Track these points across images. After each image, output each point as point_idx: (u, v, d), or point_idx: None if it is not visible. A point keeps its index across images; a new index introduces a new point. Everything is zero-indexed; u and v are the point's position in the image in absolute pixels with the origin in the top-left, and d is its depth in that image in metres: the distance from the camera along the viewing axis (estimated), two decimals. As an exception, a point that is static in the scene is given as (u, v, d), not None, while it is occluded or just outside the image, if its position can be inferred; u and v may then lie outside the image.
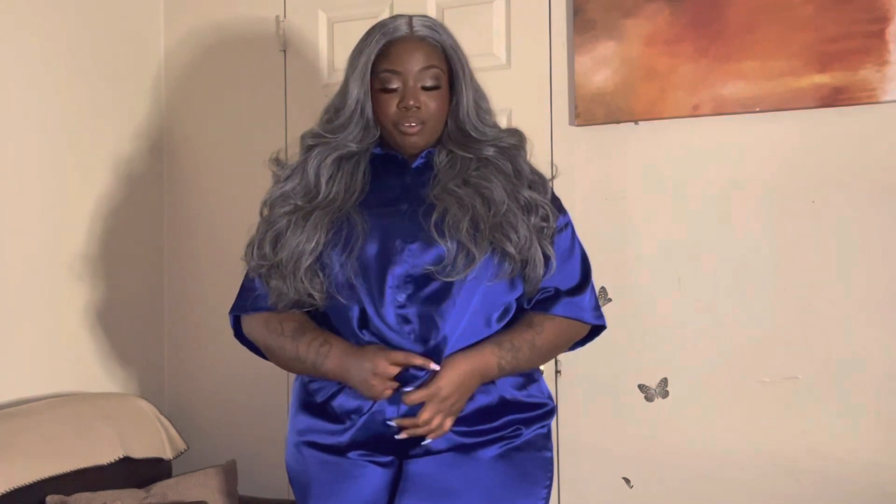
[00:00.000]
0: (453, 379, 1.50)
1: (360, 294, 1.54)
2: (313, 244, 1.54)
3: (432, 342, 1.54)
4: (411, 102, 1.55)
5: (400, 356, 1.50)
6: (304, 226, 1.55)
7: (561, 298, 1.61)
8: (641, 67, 2.17)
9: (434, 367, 1.50)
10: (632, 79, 2.18)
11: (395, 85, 1.57)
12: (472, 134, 1.61)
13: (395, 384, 1.51)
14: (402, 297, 1.53)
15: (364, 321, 1.55)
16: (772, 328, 2.09)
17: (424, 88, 1.57)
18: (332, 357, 1.55)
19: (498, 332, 1.58)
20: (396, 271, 1.53)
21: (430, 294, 1.53)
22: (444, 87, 1.60)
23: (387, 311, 1.53)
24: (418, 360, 1.50)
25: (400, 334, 1.53)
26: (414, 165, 1.63)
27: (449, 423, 1.52)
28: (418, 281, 1.53)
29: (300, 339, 1.58)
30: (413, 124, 1.57)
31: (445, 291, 1.53)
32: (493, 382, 1.59)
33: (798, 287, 2.07)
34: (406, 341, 1.53)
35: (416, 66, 1.57)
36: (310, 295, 1.56)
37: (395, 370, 1.50)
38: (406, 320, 1.53)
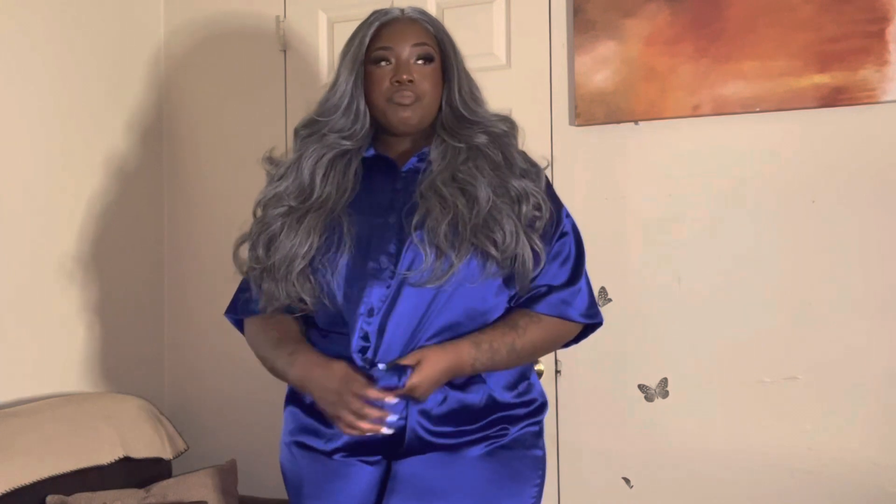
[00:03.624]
0: (430, 376, 1.49)
1: (346, 303, 1.54)
2: (306, 248, 1.53)
3: (409, 351, 1.53)
4: (404, 76, 1.56)
5: (370, 393, 1.45)
6: (297, 229, 1.54)
7: (548, 295, 1.58)
8: (641, 67, 2.17)
9: (391, 416, 1.47)
10: (632, 79, 2.18)
11: (388, 61, 1.58)
12: (466, 115, 1.61)
13: (361, 428, 1.46)
14: (380, 309, 1.51)
15: (347, 327, 1.55)
16: (772, 328, 2.09)
17: (417, 64, 1.58)
18: (297, 366, 1.55)
19: (480, 330, 1.56)
20: (376, 287, 1.52)
21: (409, 303, 1.51)
22: (436, 65, 1.61)
23: (363, 323, 1.52)
24: (382, 397, 1.46)
25: (375, 345, 1.52)
26: (404, 168, 1.61)
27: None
28: (397, 291, 1.52)
29: (277, 349, 1.60)
30: (407, 93, 1.56)
31: (425, 299, 1.52)
32: (483, 381, 1.58)
33: (798, 287, 2.07)
34: (381, 351, 1.52)
35: (408, 43, 1.58)
36: (301, 300, 1.55)
37: (364, 408, 1.45)
38: (381, 331, 1.51)
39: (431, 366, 1.49)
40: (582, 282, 1.61)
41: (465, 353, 1.52)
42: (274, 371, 1.63)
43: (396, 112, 1.58)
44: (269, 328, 1.64)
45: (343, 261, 1.53)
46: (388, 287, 1.51)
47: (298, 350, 1.57)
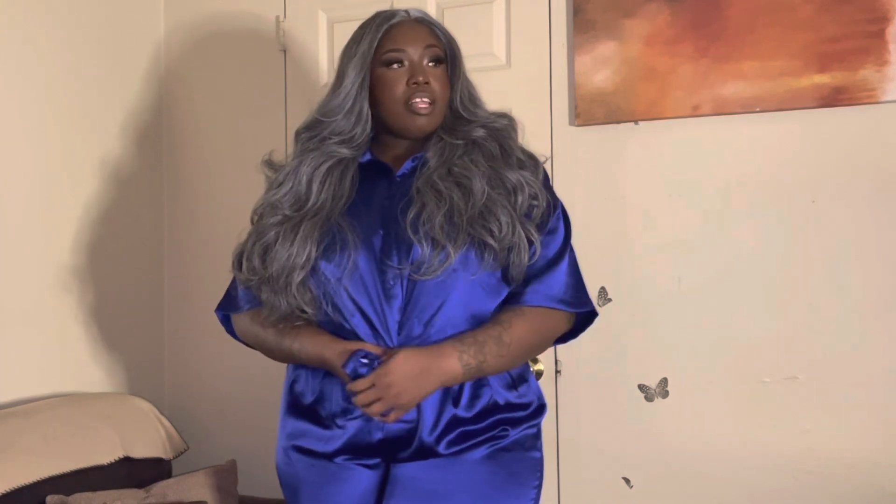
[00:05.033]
0: (401, 367, 1.47)
1: (362, 311, 1.54)
2: (304, 258, 1.52)
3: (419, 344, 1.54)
4: (420, 78, 1.55)
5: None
6: (293, 238, 1.53)
7: (528, 286, 1.56)
8: (641, 67, 2.17)
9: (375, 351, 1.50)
10: (632, 79, 2.18)
11: (400, 63, 1.57)
12: (465, 115, 1.61)
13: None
14: (398, 311, 1.53)
15: (360, 333, 1.55)
16: (772, 328, 2.09)
17: (429, 66, 1.58)
18: (304, 340, 1.57)
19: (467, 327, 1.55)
20: (395, 311, 1.53)
21: (422, 300, 1.52)
22: (444, 67, 1.61)
23: (390, 328, 1.54)
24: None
25: (392, 340, 1.54)
26: (399, 173, 1.61)
27: (392, 416, 1.49)
28: (410, 288, 1.52)
29: (279, 332, 1.60)
30: (426, 100, 1.56)
31: (432, 293, 1.52)
32: (487, 384, 1.57)
33: (798, 287, 2.07)
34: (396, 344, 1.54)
35: (420, 44, 1.58)
36: (302, 309, 1.55)
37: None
38: (399, 328, 1.53)
39: (404, 359, 1.48)
40: (562, 269, 1.59)
41: (447, 348, 1.50)
42: (279, 349, 1.62)
43: (415, 121, 1.57)
44: (262, 316, 1.64)
45: (350, 273, 1.53)
46: (402, 300, 1.53)
47: (300, 327, 1.58)
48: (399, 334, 1.53)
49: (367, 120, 1.60)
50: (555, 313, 1.59)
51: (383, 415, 1.50)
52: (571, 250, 1.63)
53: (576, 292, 1.60)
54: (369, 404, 1.48)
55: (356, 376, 1.49)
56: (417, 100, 1.56)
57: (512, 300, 1.58)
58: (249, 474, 2.46)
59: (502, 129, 1.62)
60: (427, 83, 1.56)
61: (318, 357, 1.55)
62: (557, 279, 1.58)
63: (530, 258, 1.53)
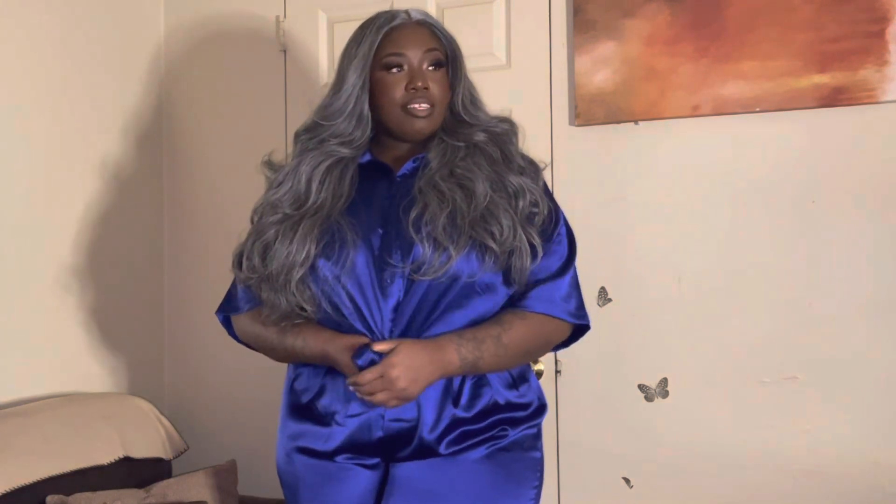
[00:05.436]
0: (406, 361, 1.46)
1: (358, 309, 1.54)
2: (303, 256, 1.52)
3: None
4: (419, 83, 1.55)
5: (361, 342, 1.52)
6: (292, 236, 1.53)
7: (532, 291, 1.57)
8: (641, 67, 2.17)
9: (380, 347, 1.48)
10: (632, 79, 2.18)
11: (400, 67, 1.56)
12: (466, 119, 1.61)
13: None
14: (393, 310, 1.53)
15: (354, 331, 1.55)
16: (772, 328, 2.09)
17: (429, 70, 1.57)
18: (308, 337, 1.56)
19: (463, 327, 1.55)
20: (389, 307, 1.53)
21: (419, 299, 1.52)
22: (445, 70, 1.61)
23: (384, 326, 1.54)
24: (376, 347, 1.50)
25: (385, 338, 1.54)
26: (399, 174, 1.61)
27: (393, 404, 1.49)
28: (407, 287, 1.52)
29: (281, 330, 1.59)
30: (424, 104, 1.56)
31: (430, 294, 1.52)
32: (488, 384, 1.58)
33: (798, 287, 2.07)
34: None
35: (420, 48, 1.57)
36: (301, 307, 1.55)
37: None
38: (398, 327, 1.53)
39: (407, 351, 1.47)
40: (566, 280, 1.60)
41: (446, 343, 1.50)
42: (282, 347, 1.61)
43: (413, 124, 1.57)
44: (262, 315, 1.63)
45: (348, 271, 1.53)
46: (398, 299, 1.52)
47: (302, 324, 1.58)
48: (392, 333, 1.53)
49: (368, 122, 1.60)
50: (555, 322, 1.60)
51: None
52: (574, 265, 1.64)
53: (577, 305, 1.62)
54: (372, 394, 1.48)
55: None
56: (416, 105, 1.56)
57: (515, 304, 1.58)
58: (249, 474, 2.46)
59: (503, 133, 1.62)
60: (426, 88, 1.56)
61: (321, 352, 1.55)
62: (562, 290, 1.59)
63: (532, 262, 1.54)
